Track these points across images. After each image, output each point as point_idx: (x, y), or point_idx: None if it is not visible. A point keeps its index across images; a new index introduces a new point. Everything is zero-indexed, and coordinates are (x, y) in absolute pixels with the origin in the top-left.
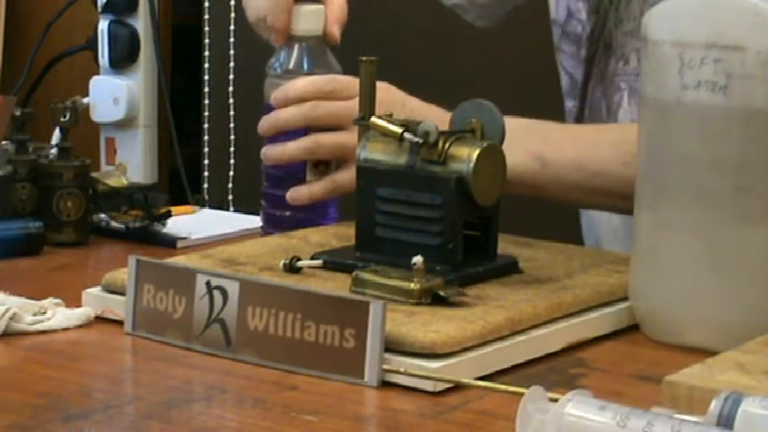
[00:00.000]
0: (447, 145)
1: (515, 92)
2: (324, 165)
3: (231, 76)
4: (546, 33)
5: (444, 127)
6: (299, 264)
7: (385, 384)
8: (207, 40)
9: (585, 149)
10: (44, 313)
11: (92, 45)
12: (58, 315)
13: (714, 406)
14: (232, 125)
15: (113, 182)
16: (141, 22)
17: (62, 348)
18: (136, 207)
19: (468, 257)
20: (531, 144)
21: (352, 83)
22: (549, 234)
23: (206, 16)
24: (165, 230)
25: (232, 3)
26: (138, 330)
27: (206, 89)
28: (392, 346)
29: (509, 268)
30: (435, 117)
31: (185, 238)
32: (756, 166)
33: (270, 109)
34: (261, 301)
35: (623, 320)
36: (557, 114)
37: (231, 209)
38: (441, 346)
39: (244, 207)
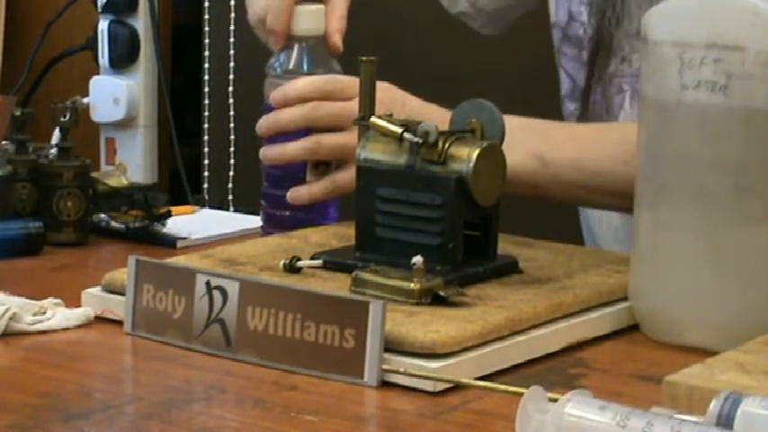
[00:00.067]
0: (447, 145)
1: (515, 92)
2: (324, 165)
3: (231, 76)
4: (546, 35)
5: (444, 127)
6: (299, 264)
7: (385, 384)
8: (207, 40)
9: (585, 149)
10: (44, 313)
11: (92, 45)
12: (57, 315)
13: (714, 406)
14: (232, 125)
15: (113, 182)
16: (141, 22)
17: (62, 348)
18: (136, 207)
19: (468, 257)
20: (531, 144)
21: (352, 83)
22: (549, 234)
23: (206, 16)
24: (165, 230)
25: (232, 3)
26: (137, 330)
27: (206, 89)
28: (392, 346)
29: (509, 268)
30: (435, 117)
31: (185, 238)
32: (756, 166)
33: (270, 109)
34: (261, 301)
35: (623, 320)
36: (557, 114)
37: (231, 209)
38: (441, 346)
39: (244, 207)
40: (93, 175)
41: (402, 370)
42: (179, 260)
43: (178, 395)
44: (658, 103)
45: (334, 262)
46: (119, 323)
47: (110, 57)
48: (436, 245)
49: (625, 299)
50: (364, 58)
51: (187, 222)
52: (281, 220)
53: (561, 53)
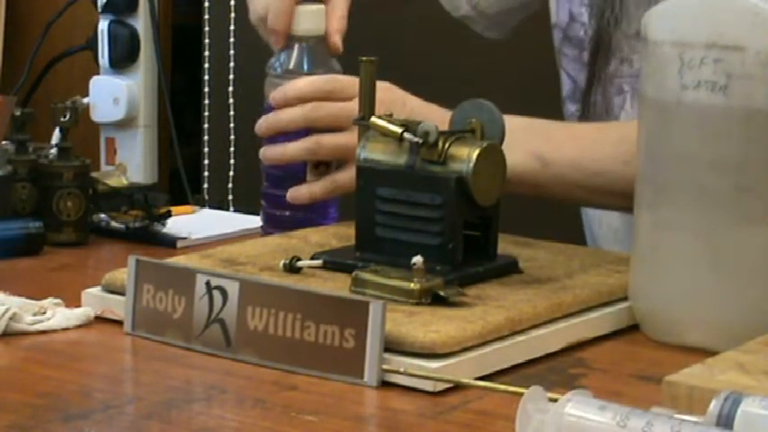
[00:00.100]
0: (447, 145)
1: (516, 92)
2: (324, 165)
3: (231, 76)
4: (546, 36)
5: (444, 127)
6: (299, 264)
7: (385, 384)
8: (207, 40)
9: (585, 148)
10: (44, 313)
11: (92, 45)
12: (57, 315)
13: (714, 406)
14: (232, 125)
15: (113, 182)
16: (141, 22)
17: (62, 348)
18: (136, 207)
19: (468, 257)
20: (532, 143)
21: (352, 83)
22: (549, 234)
23: (206, 16)
24: (165, 230)
25: (232, 3)
26: (137, 330)
27: (206, 89)
28: (392, 346)
29: (509, 268)
30: (435, 117)
31: (185, 238)
32: (756, 166)
33: (270, 109)
34: (261, 301)
35: (623, 320)
36: (558, 116)
37: (231, 209)
38: (441, 346)
39: (244, 207)
40: (93, 175)
41: (402, 370)
42: (179, 260)
43: (178, 395)
44: (658, 103)
45: (334, 262)
46: (119, 323)
47: (110, 57)
48: (436, 245)
49: (625, 299)
50: (364, 58)
51: (187, 222)
52: (281, 220)
53: (562, 54)
